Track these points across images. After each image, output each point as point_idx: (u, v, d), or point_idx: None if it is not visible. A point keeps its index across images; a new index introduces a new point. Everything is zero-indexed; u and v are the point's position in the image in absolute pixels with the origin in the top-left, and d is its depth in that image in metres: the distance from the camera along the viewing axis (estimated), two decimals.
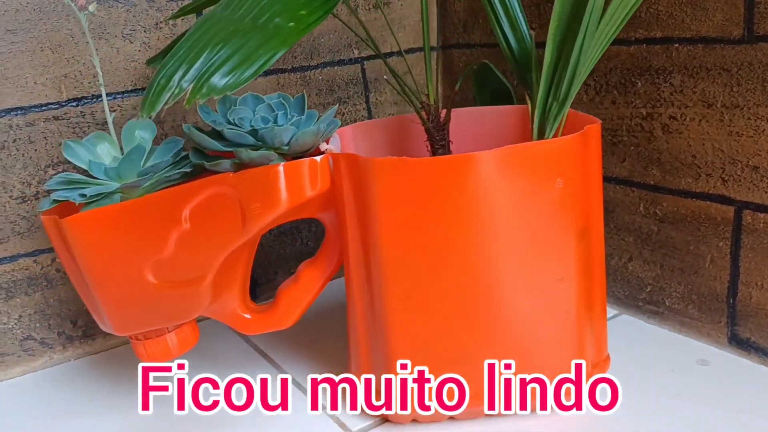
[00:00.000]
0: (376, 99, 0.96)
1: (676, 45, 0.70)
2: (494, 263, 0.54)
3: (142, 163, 0.60)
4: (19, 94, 0.71)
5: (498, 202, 0.53)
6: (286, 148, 0.58)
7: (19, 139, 0.72)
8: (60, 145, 0.74)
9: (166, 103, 0.39)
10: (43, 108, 0.73)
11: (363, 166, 0.54)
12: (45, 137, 0.73)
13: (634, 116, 0.76)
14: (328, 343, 0.79)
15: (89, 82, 0.75)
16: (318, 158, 0.56)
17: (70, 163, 0.74)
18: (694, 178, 0.71)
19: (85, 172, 0.58)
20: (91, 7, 0.60)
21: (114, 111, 0.71)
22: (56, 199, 0.57)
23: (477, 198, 0.52)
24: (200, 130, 0.61)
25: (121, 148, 0.63)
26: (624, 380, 0.65)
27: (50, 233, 0.58)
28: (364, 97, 0.94)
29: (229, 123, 0.61)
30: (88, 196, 0.55)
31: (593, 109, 0.80)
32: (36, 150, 0.73)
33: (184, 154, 0.61)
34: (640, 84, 0.75)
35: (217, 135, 0.59)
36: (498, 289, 0.56)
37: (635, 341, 0.74)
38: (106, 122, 0.76)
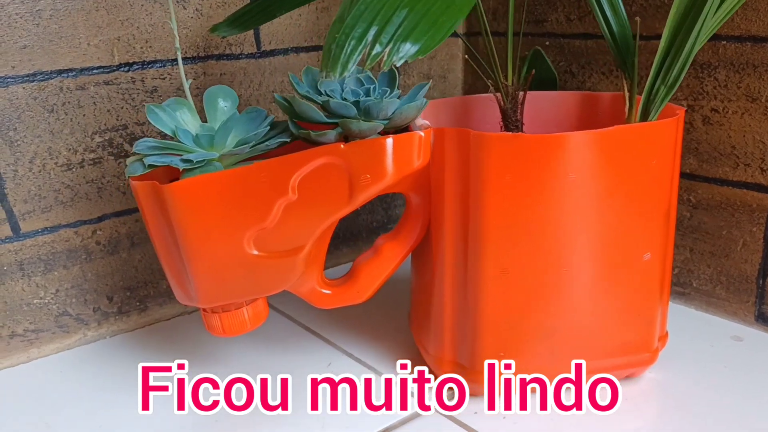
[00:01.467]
0: (404, 82, 0.97)
1: (724, 42, 0.74)
2: (588, 240, 0.57)
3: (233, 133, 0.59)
4: (72, 55, 0.68)
5: (600, 181, 0.55)
6: (386, 121, 0.58)
7: (69, 102, 0.69)
8: (108, 111, 0.71)
9: (356, 63, 0.39)
10: (95, 71, 0.69)
11: (475, 141, 0.55)
12: (94, 102, 0.70)
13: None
14: (386, 324, 0.80)
15: (141, 47, 0.72)
16: (422, 132, 0.57)
17: (117, 131, 0.71)
18: (732, 168, 0.76)
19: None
20: None
21: (189, 79, 0.69)
22: (152, 164, 0.55)
23: (583, 176, 0.55)
24: (289, 102, 0.60)
25: (201, 117, 0.61)
26: (670, 354, 0.70)
27: (143, 200, 0.56)
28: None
29: (320, 94, 0.61)
30: (194, 162, 0.53)
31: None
32: (84, 115, 0.70)
33: (270, 123, 0.60)
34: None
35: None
36: (590, 266, 0.58)
37: (668, 319, 0.79)
38: (155, 91, 0.74)
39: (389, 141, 0.56)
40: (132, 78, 0.72)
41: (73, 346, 0.74)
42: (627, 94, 0.60)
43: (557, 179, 0.55)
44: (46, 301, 0.72)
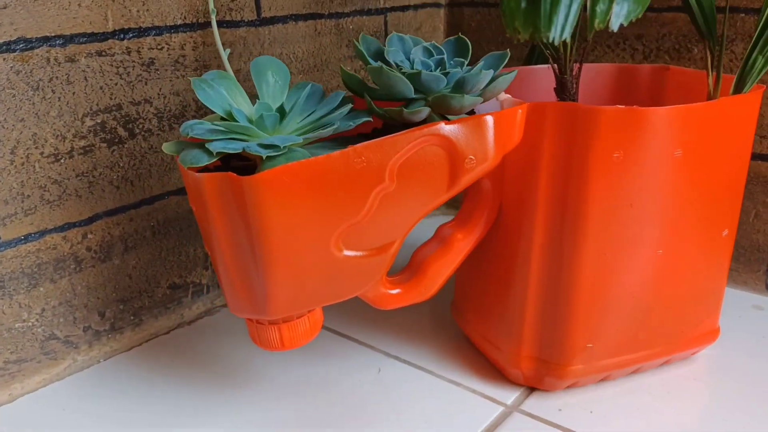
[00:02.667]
0: None
1: (742, 15, 0.75)
2: (684, 218, 0.55)
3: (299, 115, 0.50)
4: (61, 18, 0.55)
5: (700, 156, 0.53)
6: (477, 95, 0.52)
7: (57, 77, 0.56)
8: (101, 88, 0.59)
9: (577, 26, 0.33)
10: (86, 39, 0.57)
11: (584, 115, 0.50)
12: (86, 77, 0.58)
13: None
14: (423, 319, 0.74)
15: (138, 11, 0.60)
16: (519, 108, 0.51)
17: (110, 112, 0.59)
18: None
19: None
20: None
21: (227, 49, 0.58)
22: (222, 151, 0.45)
23: (686, 151, 0.52)
24: (344, 71, 0.52)
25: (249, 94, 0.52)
26: None
27: (210, 195, 0.46)
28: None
29: (388, 65, 0.54)
30: (281, 147, 0.44)
31: None
32: (74, 93, 0.57)
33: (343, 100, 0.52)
34: (696, 50, 0.79)
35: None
36: (682, 244, 0.56)
37: None
38: (152, 64, 0.62)
39: (491, 119, 0.49)
40: (127, 48, 0.60)
41: (63, 376, 0.62)
42: (709, 64, 0.57)
43: (665, 155, 0.52)
44: (30, 323, 0.59)
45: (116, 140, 0.61)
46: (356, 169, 0.46)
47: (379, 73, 0.49)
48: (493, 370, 0.63)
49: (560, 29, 0.33)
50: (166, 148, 0.50)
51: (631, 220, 0.54)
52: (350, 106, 0.49)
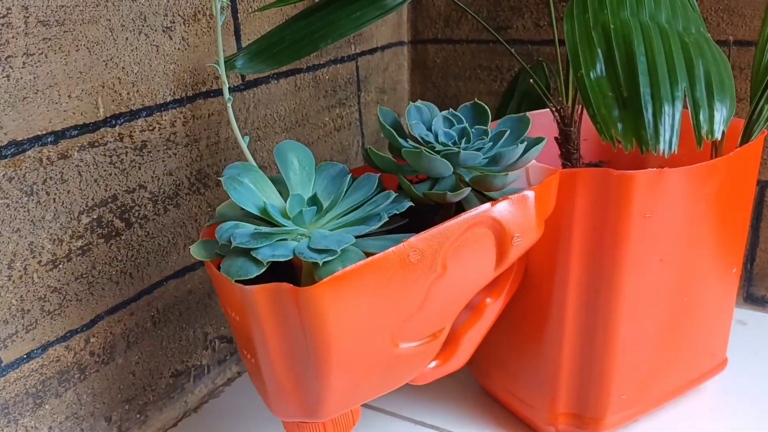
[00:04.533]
0: (365, 99, 0.88)
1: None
2: (707, 263, 0.57)
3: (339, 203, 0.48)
4: (50, 114, 0.50)
5: (718, 205, 0.55)
6: (512, 166, 0.52)
7: (51, 178, 0.51)
8: (96, 181, 0.54)
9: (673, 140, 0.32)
10: (78, 131, 0.52)
11: (618, 181, 0.51)
12: (80, 172, 0.53)
13: None
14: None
15: (128, 93, 0.56)
16: (554, 178, 0.51)
17: (106, 204, 0.55)
18: None
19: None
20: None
21: (245, 136, 0.54)
22: (273, 260, 0.42)
23: (708, 202, 0.54)
24: (375, 153, 0.51)
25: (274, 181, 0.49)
26: None
27: (261, 308, 0.43)
28: (356, 97, 0.86)
29: (412, 139, 0.52)
30: (338, 251, 0.42)
31: None
32: (69, 192, 0.53)
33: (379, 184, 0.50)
34: None
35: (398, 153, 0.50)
36: (706, 288, 0.58)
37: None
38: (144, 146, 0.58)
39: (532, 194, 0.49)
40: (119, 134, 0.56)
41: None
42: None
43: (690, 210, 0.53)
44: None
45: (113, 233, 0.57)
46: (411, 263, 0.45)
47: (419, 156, 0.48)
48: (524, 427, 0.63)
49: (669, 142, 0.32)
50: (196, 252, 0.47)
51: (661, 274, 0.55)
52: (392, 195, 0.47)
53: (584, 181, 0.52)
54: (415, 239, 0.44)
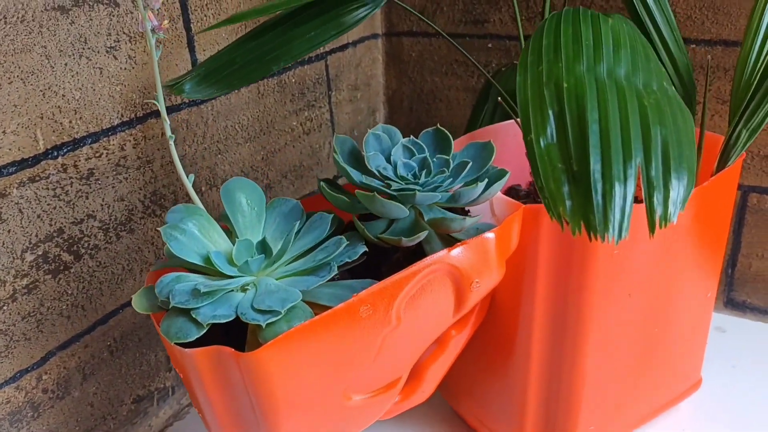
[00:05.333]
0: (336, 98, 0.85)
1: (693, 46, 0.75)
2: (682, 290, 0.55)
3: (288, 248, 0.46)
4: None
5: (694, 232, 0.53)
6: (472, 201, 0.49)
7: None
8: (39, 217, 0.52)
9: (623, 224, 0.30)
10: (16, 168, 0.50)
11: None
12: (20, 210, 0.51)
13: None
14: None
15: (70, 121, 0.53)
16: (516, 216, 0.49)
17: (52, 239, 0.53)
18: None
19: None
20: (165, 23, 0.43)
21: (190, 175, 0.51)
22: (213, 321, 0.40)
23: (680, 232, 0.52)
24: (336, 187, 0.48)
25: (219, 222, 0.47)
26: None
27: (203, 371, 0.41)
28: (327, 97, 0.83)
29: (368, 173, 0.50)
30: (282, 311, 0.40)
31: None
32: (9, 231, 0.50)
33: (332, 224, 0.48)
34: None
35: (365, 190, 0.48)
36: (681, 313, 0.57)
37: None
38: (91, 175, 0.55)
39: (493, 237, 0.47)
40: (63, 165, 0.53)
41: None
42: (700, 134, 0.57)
43: (663, 243, 0.51)
44: None
45: (61, 267, 0.54)
46: (362, 317, 0.43)
47: (372, 200, 0.45)
48: None
49: (619, 228, 0.30)
50: (137, 305, 0.44)
51: (630, 308, 0.53)
52: (344, 242, 0.45)
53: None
54: (365, 294, 0.42)
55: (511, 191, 0.70)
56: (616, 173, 0.30)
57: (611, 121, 0.31)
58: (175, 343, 0.41)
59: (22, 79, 0.49)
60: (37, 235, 0.52)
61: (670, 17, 0.53)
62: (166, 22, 0.42)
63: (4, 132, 0.49)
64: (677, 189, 0.30)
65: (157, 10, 0.41)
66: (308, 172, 0.83)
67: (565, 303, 0.52)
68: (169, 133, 0.46)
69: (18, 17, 0.48)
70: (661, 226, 0.30)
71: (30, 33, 0.49)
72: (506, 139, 0.67)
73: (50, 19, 0.50)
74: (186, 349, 0.41)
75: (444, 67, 0.90)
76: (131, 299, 0.61)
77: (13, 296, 0.51)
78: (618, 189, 0.30)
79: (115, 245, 0.59)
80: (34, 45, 0.49)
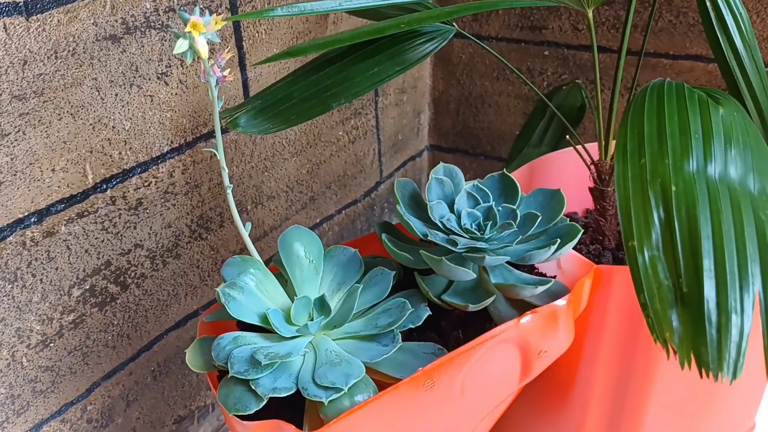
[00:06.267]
0: (383, 104, 0.82)
1: None
2: None
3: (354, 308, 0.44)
4: (32, 194, 0.46)
5: None
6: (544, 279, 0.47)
7: (36, 259, 0.47)
8: (86, 252, 0.50)
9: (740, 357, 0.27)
10: (64, 205, 0.48)
11: None
12: (68, 246, 0.49)
13: None
14: None
15: (119, 153, 0.51)
16: (587, 278, 0.46)
17: (100, 272, 0.51)
18: None
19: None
20: (226, 73, 0.40)
21: (247, 223, 0.49)
22: (275, 395, 0.39)
23: None
24: (397, 240, 0.46)
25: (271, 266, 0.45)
26: None
27: None
28: (374, 103, 0.80)
29: (431, 225, 0.47)
30: (345, 389, 0.38)
31: None
32: (57, 269, 0.49)
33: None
34: None
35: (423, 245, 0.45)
36: None
37: None
38: (140, 204, 0.53)
39: (564, 304, 0.44)
40: (111, 198, 0.51)
41: None
42: None
43: None
44: None
45: (108, 300, 0.53)
46: (425, 392, 0.41)
47: (440, 265, 0.43)
48: None
49: (734, 366, 0.28)
50: (192, 362, 0.43)
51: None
52: (407, 307, 0.43)
53: (622, 279, 0.47)
54: (431, 367, 0.40)
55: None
56: (732, 303, 0.27)
57: (726, 237, 0.28)
58: (233, 414, 0.39)
59: (71, 114, 0.47)
60: (84, 270, 0.51)
61: (760, 63, 0.49)
62: (228, 71, 0.39)
63: (53, 170, 0.47)
64: None
65: (222, 65, 0.38)
66: (352, 181, 0.80)
67: (631, 366, 0.50)
68: (227, 182, 0.44)
69: (69, 50, 0.45)
70: None
71: (81, 66, 0.46)
72: (565, 166, 0.64)
73: (101, 50, 0.47)
74: (245, 422, 0.39)
75: (495, 71, 0.86)
76: (176, 323, 0.60)
77: (59, 332, 0.50)
78: (735, 321, 0.27)
79: (161, 272, 0.57)
80: (85, 78, 0.47)
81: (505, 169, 0.77)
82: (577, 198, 0.63)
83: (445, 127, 0.93)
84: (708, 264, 0.28)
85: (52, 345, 0.50)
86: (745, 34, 0.48)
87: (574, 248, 0.62)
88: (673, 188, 0.30)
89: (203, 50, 0.33)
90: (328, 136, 0.74)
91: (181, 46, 0.33)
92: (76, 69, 0.46)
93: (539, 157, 0.64)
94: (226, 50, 0.38)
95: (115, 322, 0.54)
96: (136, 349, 0.57)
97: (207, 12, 0.35)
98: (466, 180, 0.51)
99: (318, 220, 0.76)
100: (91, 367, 0.54)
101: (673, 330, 0.28)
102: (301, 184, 0.72)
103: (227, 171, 0.44)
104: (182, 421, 0.65)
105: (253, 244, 0.67)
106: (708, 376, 0.28)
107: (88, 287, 0.51)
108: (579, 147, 0.57)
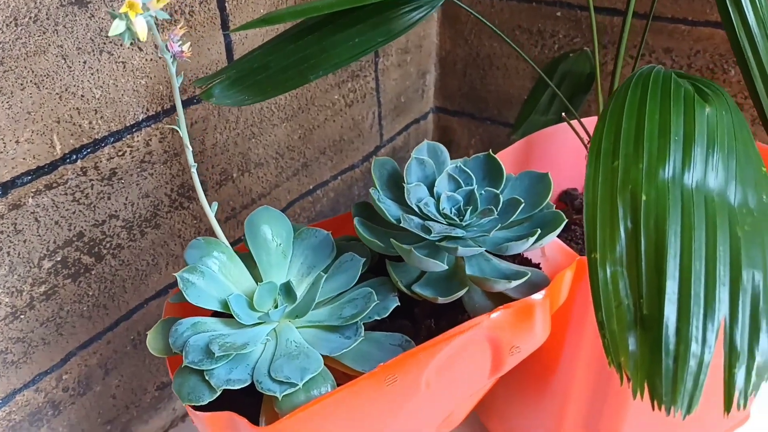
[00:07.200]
0: (384, 65, 0.79)
1: None
2: None
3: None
4: None
5: None
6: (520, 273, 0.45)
7: (2, 233, 0.46)
8: (57, 223, 0.49)
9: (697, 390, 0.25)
10: (31, 177, 0.47)
11: None
12: (36, 219, 0.48)
13: None
14: None
15: (90, 122, 0.49)
16: (568, 270, 0.44)
17: (72, 243, 0.50)
18: None
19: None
20: (186, 48, 0.38)
21: (213, 203, 0.47)
22: (229, 387, 0.38)
23: None
24: (363, 236, 0.44)
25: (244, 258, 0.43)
26: None
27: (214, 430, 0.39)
28: (373, 65, 0.77)
29: (408, 209, 0.45)
30: (300, 384, 0.37)
31: None
32: (25, 241, 0.48)
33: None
34: (733, 72, 0.70)
35: (398, 231, 0.43)
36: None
37: None
38: (114, 174, 0.52)
39: (539, 299, 0.42)
40: (82, 168, 0.50)
41: None
42: None
43: None
44: None
45: (81, 271, 0.52)
46: (387, 387, 0.40)
47: (409, 255, 0.41)
48: None
49: (688, 401, 0.25)
50: (152, 345, 0.42)
51: None
52: (373, 298, 0.41)
53: None
54: (391, 363, 0.39)
55: (566, 196, 0.65)
56: (694, 331, 0.25)
57: (695, 256, 0.26)
58: (186, 404, 0.39)
59: (35, 84, 0.45)
60: (55, 242, 0.50)
61: None
62: (187, 46, 0.37)
63: (17, 141, 0.45)
64: (764, 355, 0.25)
65: (179, 40, 0.36)
66: (348, 146, 0.78)
67: None
68: (191, 161, 0.42)
69: (30, 17, 0.43)
70: (740, 406, 0.25)
71: (44, 33, 0.44)
72: (565, 141, 0.61)
73: (66, 15, 0.45)
74: (197, 412, 0.38)
75: (505, 32, 0.82)
76: (156, 292, 0.60)
77: (30, 304, 0.50)
78: (694, 351, 0.25)
79: (139, 242, 0.56)
80: (49, 45, 0.45)
81: (511, 137, 0.75)
82: (580, 173, 0.60)
83: (451, 88, 0.89)
84: (672, 286, 0.26)
85: (22, 317, 0.49)
86: (759, 7, 0.44)
87: (569, 228, 0.60)
88: (644, 197, 0.27)
89: (141, 32, 0.31)
90: (323, 100, 0.71)
91: (118, 27, 0.31)
92: (39, 36, 0.44)
93: (546, 126, 0.61)
94: (179, 26, 0.36)
95: (90, 293, 0.54)
96: (113, 318, 0.57)
97: None
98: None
99: (311, 187, 0.74)
100: (66, 338, 0.53)
101: (629, 355, 0.26)
102: (292, 150, 0.70)
103: (191, 149, 0.42)
104: (166, 387, 0.65)
105: (240, 212, 0.66)
106: (660, 409, 0.26)
107: (59, 259, 0.50)
108: (575, 123, 0.54)
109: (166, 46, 0.36)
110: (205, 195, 0.61)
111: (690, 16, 0.70)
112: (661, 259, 0.26)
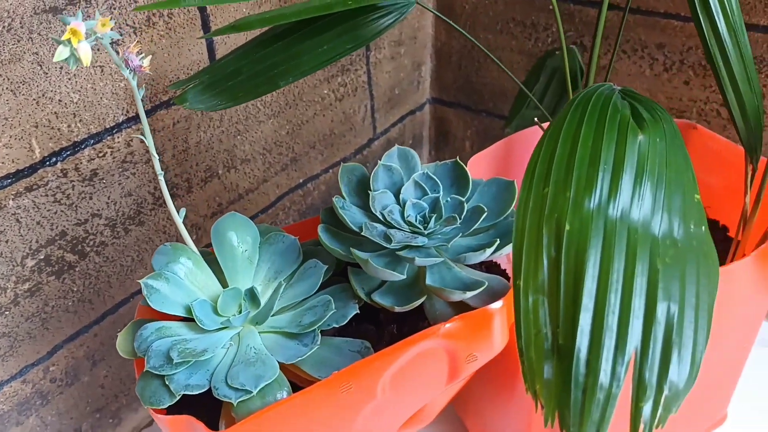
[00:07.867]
0: (376, 58, 0.79)
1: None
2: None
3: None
4: None
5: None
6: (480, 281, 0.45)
7: None
8: (38, 224, 0.51)
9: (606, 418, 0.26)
10: (11, 180, 0.48)
11: None
12: (17, 219, 0.50)
13: (711, 101, 0.72)
14: None
15: (69, 126, 0.50)
16: None
17: (54, 242, 0.52)
18: None
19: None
20: (146, 62, 0.39)
21: (180, 209, 0.49)
22: (188, 393, 0.39)
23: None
24: (326, 243, 0.45)
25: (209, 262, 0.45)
26: None
27: None
28: (365, 58, 0.77)
29: (371, 215, 0.46)
30: (254, 392, 0.39)
31: (658, 86, 0.73)
32: (8, 241, 0.50)
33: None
34: None
35: (358, 241, 0.44)
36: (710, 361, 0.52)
37: None
38: (95, 175, 0.53)
39: (497, 308, 0.43)
40: (62, 170, 0.51)
41: None
42: (749, 174, 0.50)
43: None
44: None
45: (65, 268, 0.54)
46: (343, 394, 0.41)
47: (366, 264, 0.42)
48: None
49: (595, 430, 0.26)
50: (121, 347, 0.44)
51: None
52: (332, 306, 0.42)
53: None
54: (345, 372, 0.40)
55: None
56: (603, 363, 0.26)
57: (610, 289, 0.26)
58: (148, 407, 0.40)
59: (11, 91, 0.46)
60: (37, 241, 0.52)
61: (746, 50, 0.45)
62: (147, 60, 0.38)
63: None
64: (672, 389, 0.25)
65: (140, 58, 0.37)
66: (340, 140, 0.79)
67: None
68: (158, 169, 0.43)
69: (4, 26, 0.44)
70: None
71: (19, 41, 0.46)
72: None
73: (41, 23, 0.46)
74: (158, 415, 0.40)
75: (499, 24, 0.81)
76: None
77: (15, 300, 0.52)
78: (603, 383, 0.26)
79: (123, 239, 0.58)
80: (24, 53, 0.46)
81: (505, 130, 0.75)
82: None
83: (447, 80, 0.89)
84: (585, 317, 0.26)
85: (7, 313, 0.52)
86: (730, 16, 0.44)
87: None
88: (567, 227, 0.28)
89: (85, 58, 0.32)
90: (311, 95, 0.72)
91: (62, 53, 0.32)
92: (13, 45, 0.45)
93: (536, 118, 0.61)
94: (133, 44, 0.37)
95: (75, 289, 0.56)
96: (99, 313, 0.59)
97: (97, 13, 0.33)
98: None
99: (301, 180, 0.75)
100: (52, 332, 0.55)
101: (543, 383, 0.27)
102: (280, 146, 0.71)
103: (158, 158, 0.43)
104: None
105: (227, 207, 0.67)
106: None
107: (42, 257, 0.52)
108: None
109: (125, 62, 0.37)
110: (190, 192, 0.62)
111: (683, 11, 0.69)
112: (578, 290, 0.27)
